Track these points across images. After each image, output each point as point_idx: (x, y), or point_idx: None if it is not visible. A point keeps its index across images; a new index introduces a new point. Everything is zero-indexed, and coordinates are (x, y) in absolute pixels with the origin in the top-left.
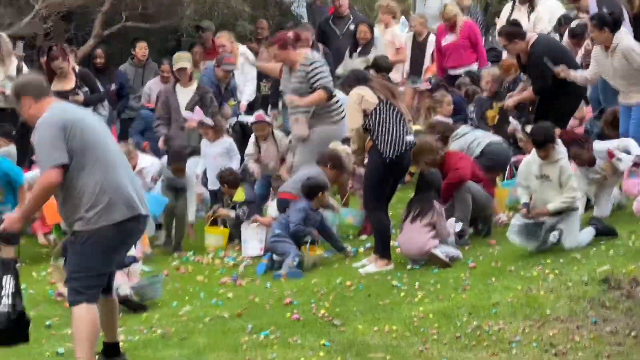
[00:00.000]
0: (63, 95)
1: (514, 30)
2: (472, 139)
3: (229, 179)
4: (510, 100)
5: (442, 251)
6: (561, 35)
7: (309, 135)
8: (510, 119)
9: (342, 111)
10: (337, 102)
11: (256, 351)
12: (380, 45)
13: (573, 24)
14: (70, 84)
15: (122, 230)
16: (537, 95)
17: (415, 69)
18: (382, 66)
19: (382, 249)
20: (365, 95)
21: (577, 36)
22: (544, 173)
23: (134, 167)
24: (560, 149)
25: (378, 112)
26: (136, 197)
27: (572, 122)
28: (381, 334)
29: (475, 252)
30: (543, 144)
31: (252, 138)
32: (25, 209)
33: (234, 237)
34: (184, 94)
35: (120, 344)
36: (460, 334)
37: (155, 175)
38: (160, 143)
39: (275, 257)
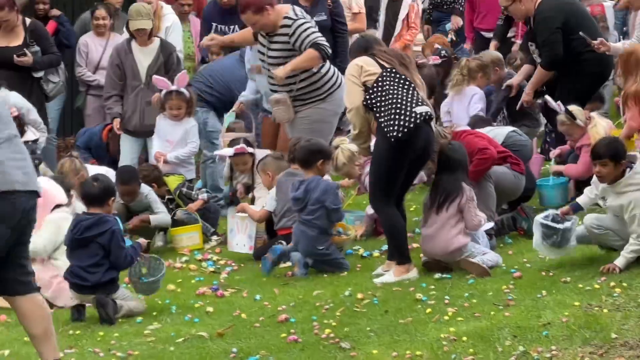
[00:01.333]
0: (6, 53)
1: None
2: (486, 132)
3: (153, 177)
4: (525, 96)
5: (477, 252)
6: None
7: (295, 119)
8: (547, 97)
9: (333, 82)
10: (325, 72)
11: None
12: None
13: None
14: (17, 40)
15: None
16: (549, 70)
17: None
18: None
19: (399, 254)
20: (364, 66)
21: None
22: (604, 196)
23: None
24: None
25: (380, 83)
26: None
27: None
28: None
29: (519, 258)
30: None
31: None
32: None
33: (206, 231)
34: (143, 55)
35: None
36: None
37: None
38: (116, 125)
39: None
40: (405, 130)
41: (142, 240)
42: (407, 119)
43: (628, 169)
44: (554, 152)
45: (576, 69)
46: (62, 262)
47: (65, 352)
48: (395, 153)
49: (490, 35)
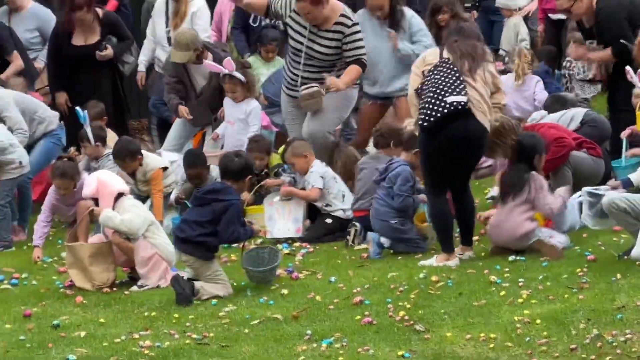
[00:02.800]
0: (87, 51)
1: None
2: (559, 116)
3: (260, 145)
4: (592, 54)
5: (544, 236)
6: None
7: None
8: (628, 67)
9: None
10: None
11: None
12: None
13: None
14: (94, 36)
15: None
16: (618, 58)
17: None
18: None
19: (442, 242)
20: (427, 57)
21: None
22: None
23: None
24: None
25: (430, 72)
26: None
27: None
28: (475, 344)
29: (594, 240)
30: None
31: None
32: None
33: None
34: (198, 74)
35: (146, 351)
36: (576, 345)
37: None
38: (183, 112)
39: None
40: (432, 119)
41: (256, 227)
42: (435, 107)
43: None
44: (625, 133)
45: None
46: (159, 237)
47: (140, 334)
48: (426, 142)
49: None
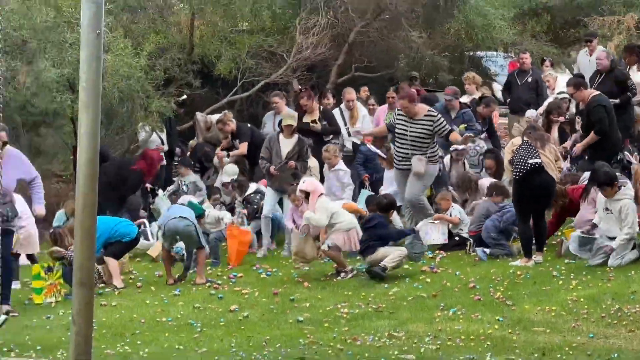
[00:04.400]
0: (306, 125)
1: (580, 81)
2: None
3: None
4: (577, 148)
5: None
6: None
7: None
8: (626, 153)
9: (438, 156)
10: (437, 149)
11: (446, 324)
12: None
13: None
14: (313, 116)
15: None
16: (600, 136)
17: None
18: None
19: (524, 250)
20: (514, 141)
21: None
22: (607, 207)
23: None
24: (626, 191)
25: (517, 149)
26: None
27: None
28: (543, 313)
29: None
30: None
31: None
32: None
33: None
34: (286, 143)
35: (345, 315)
36: (604, 315)
37: None
38: (273, 170)
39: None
40: (520, 173)
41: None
42: (522, 167)
43: None
44: None
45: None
46: (340, 222)
47: (341, 304)
48: (517, 188)
49: None
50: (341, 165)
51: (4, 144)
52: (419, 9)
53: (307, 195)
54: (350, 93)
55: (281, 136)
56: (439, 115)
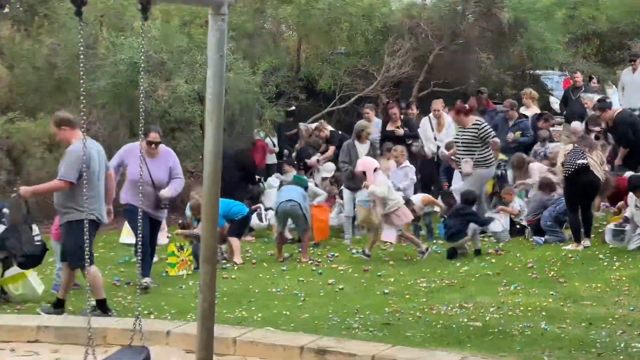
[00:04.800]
0: (391, 132)
1: (604, 105)
2: None
3: None
4: (617, 162)
5: None
6: None
7: (472, 173)
8: None
9: (492, 160)
10: (490, 154)
11: (508, 297)
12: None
13: None
14: (396, 124)
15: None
16: (627, 148)
17: None
18: None
19: (575, 236)
20: (567, 147)
21: None
22: (637, 205)
23: None
24: None
25: (569, 152)
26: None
27: None
28: (590, 289)
29: None
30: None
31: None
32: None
33: None
34: (361, 148)
35: (423, 287)
36: None
37: None
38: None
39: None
40: (569, 172)
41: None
42: (571, 166)
43: None
44: None
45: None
46: (393, 199)
47: (420, 280)
48: (566, 185)
49: None
50: (407, 163)
51: (157, 143)
52: (487, 35)
53: (364, 173)
54: (437, 104)
55: (356, 142)
56: (485, 124)
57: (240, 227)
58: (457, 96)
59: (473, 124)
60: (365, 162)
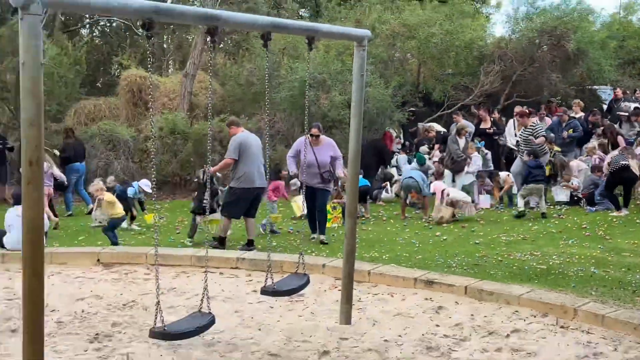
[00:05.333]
0: (483, 130)
1: (637, 112)
2: None
3: None
4: None
5: None
6: None
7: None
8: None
9: (545, 151)
10: (542, 146)
11: (566, 248)
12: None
13: None
14: (487, 125)
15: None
16: None
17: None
18: None
19: (616, 207)
20: (613, 153)
21: None
22: None
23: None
24: None
25: (615, 155)
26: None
27: None
28: (629, 244)
29: None
30: None
31: None
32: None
33: None
34: (460, 141)
35: (503, 240)
36: None
37: None
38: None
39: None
40: (613, 169)
41: None
42: (615, 165)
43: None
44: None
45: None
46: (463, 198)
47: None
48: (609, 178)
49: None
50: (475, 153)
51: (317, 136)
52: (557, 60)
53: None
54: (519, 109)
55: (457, 137)
56: (538, 125)
57: (363, 192)
58: (532, 105)
59: (530, 126)
60: (437, 187)
